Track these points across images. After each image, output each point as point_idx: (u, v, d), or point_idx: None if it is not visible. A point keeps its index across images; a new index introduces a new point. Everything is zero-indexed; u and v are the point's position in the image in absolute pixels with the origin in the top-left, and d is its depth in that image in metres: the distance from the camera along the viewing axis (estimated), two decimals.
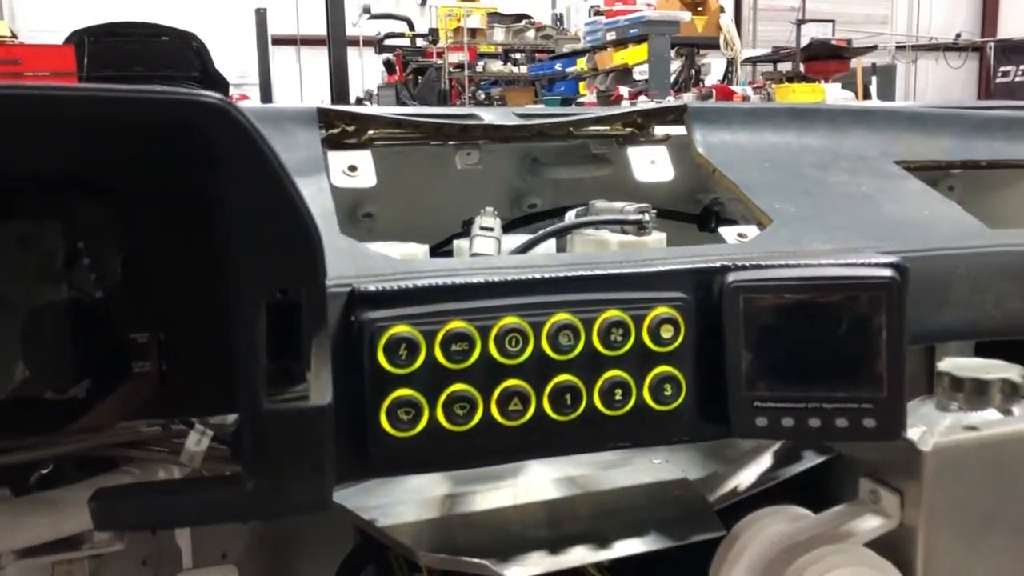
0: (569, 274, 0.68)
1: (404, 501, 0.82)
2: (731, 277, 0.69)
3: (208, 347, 0.64)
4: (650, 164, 0.95)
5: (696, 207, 1.13)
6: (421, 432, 0.63)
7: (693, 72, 8.10)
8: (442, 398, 0.63)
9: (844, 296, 0.68)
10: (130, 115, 0.51)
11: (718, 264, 0.70)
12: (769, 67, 9.20)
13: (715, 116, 0.95)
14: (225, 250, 0.58)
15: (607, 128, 0.96)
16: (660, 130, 0.99)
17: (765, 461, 0.85)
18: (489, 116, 0.94)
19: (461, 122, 0.92)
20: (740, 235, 0.85)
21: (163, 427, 0.73)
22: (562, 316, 0.65)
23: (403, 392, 0.62)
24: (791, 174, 0.90)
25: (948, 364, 0.80)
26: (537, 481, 0.86)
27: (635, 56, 7.44)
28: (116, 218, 0.62)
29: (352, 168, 0.86)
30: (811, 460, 0.82)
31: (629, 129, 0.96)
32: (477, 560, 0.72)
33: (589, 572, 0.85)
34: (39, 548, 0.71)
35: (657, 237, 0.84)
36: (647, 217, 0.80)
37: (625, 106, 0.94)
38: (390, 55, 10.32)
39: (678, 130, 1.00)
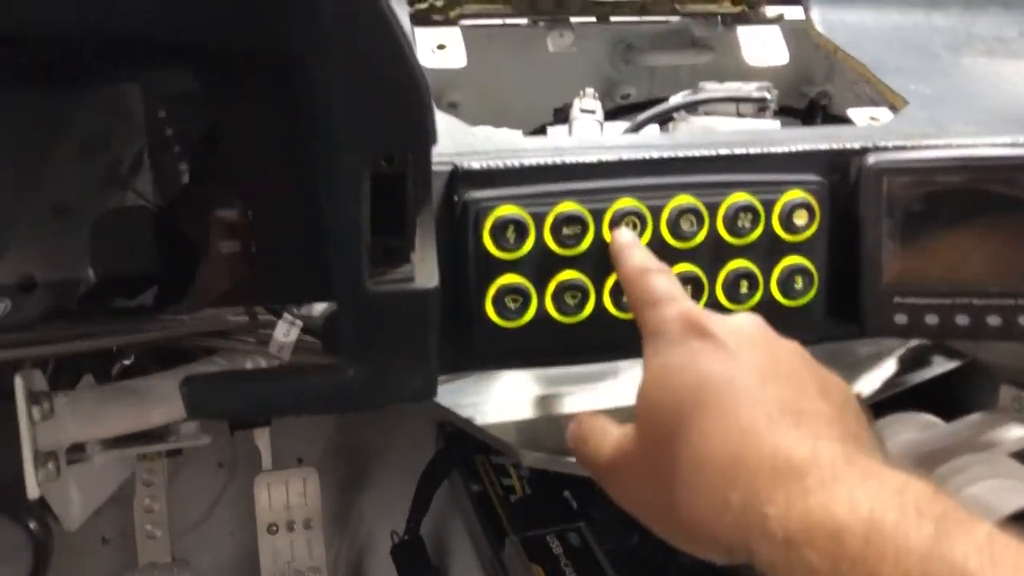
0: (691, 153, 0.61)
1: (498, 401, 0.77)
2: (872, 158, 0.62)
3: (299, 227, 0.59)
4: (762, 45, 0.87)
5: (801, 101, 1.05)
6: (529, 322, 0.58)
7: None
8: (552, 286, 0.58)
9: (1002, 178, 0.60)
10: None
11: (857, 145, 0.63)
12: None
13: None
14: (319, 117, 0.53)
15: (715, 6, 0.88)
16: (772, 10, 0.90)
17: (889, 367, 0.79)
18: None
19: None
20: (872, 118, 0.77)
21: (250, 316, 0.69)
22: (684, 199, 0.59)
23: (510, 278, 0.57)
24: (923, 55, 0.81)
25: None
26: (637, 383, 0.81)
27: None
28: (198, 83, 0.57)
29: (441, 47, 0.79)
30: (942, 366, 0.75)
31: (739, 7, 0.87)
32: None
33: None
34: (125, 439, 0.69)
35: (772, 125, 0.77)
36: (769, 95, 0.72)
37: None
38: None
39: (791, 12, 0.91)
